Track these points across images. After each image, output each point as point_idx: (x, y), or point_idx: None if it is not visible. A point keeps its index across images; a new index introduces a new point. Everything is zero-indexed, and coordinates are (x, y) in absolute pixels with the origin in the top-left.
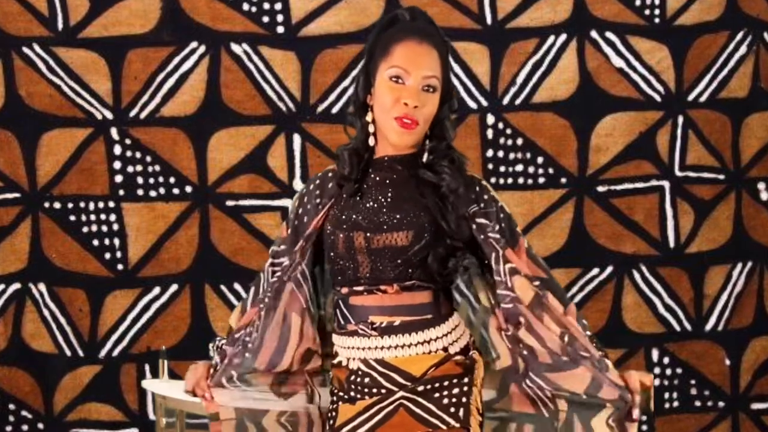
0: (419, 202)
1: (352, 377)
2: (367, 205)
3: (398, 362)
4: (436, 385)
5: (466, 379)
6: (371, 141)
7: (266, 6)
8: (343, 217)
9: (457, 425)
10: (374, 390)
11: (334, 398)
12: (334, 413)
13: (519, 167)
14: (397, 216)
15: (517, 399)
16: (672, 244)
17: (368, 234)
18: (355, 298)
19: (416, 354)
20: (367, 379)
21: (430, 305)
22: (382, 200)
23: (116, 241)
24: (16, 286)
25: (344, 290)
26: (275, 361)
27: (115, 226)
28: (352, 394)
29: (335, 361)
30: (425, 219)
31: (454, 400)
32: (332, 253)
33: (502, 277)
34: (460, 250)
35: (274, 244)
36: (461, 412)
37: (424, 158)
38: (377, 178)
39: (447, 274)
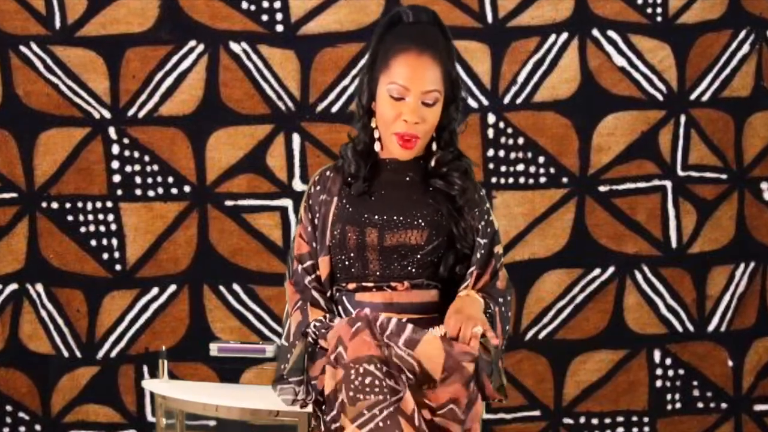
0: (432, 205)
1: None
2: (378, 203)
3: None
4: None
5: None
6: (377, 146)
7: (265, 4)
8: (354, 213)
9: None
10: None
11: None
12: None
13: (520, 167)
14: (411, 215)
15: None
16: (674, 244)
17: (382, 231)
18: (362, 294)
19: None
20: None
21: (436, 304)
22: (394, 199)
23: (114, 242)
24: (14, 286)
25: (351, 286)
26: None
27: (113, 226)
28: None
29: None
30: (439, 221)
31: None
32: (339, 249)
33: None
34: (467, 258)
35: (296, 263)
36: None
37: (432, 164)
38: (385, 179)
39: (455, 278)
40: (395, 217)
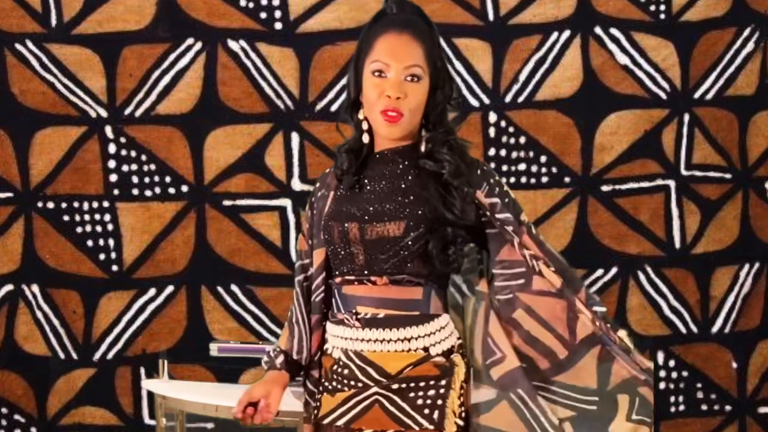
0: (416, 192)
1: (334, 367)
2: (364, 196)
3: (375, 357)
4: (412, 384)
5: (443, 382)
6: (365, 138)
7: (264, 1)
8: (339, 207)
9: (431, 427)
10: (352, 382)
11: (320, 387)
12: (318, 403)
13: (522, 166)
14: (391, 207)
15: (507, 417)
16: (678, 244)
17: (362, 224)
18: (347, 287)
19: (395, 350)
20: (346, 371)
21: (418, 302)
22: (379, 192)
23: (111, 242)
24: (9, 287)
25: (338, 279)
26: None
27: (110, 227)
28: (334, 384)
29: (324, 348)
30: (421, 209)
31: (429, 401)
32: (329, 243)
33: (528, 262)
34: (461, 237)
35: (297, 258)
36: (435, 415)
37: (423, 148)
38: (376, 171)
39: (449, 263)
40: (375, 210)
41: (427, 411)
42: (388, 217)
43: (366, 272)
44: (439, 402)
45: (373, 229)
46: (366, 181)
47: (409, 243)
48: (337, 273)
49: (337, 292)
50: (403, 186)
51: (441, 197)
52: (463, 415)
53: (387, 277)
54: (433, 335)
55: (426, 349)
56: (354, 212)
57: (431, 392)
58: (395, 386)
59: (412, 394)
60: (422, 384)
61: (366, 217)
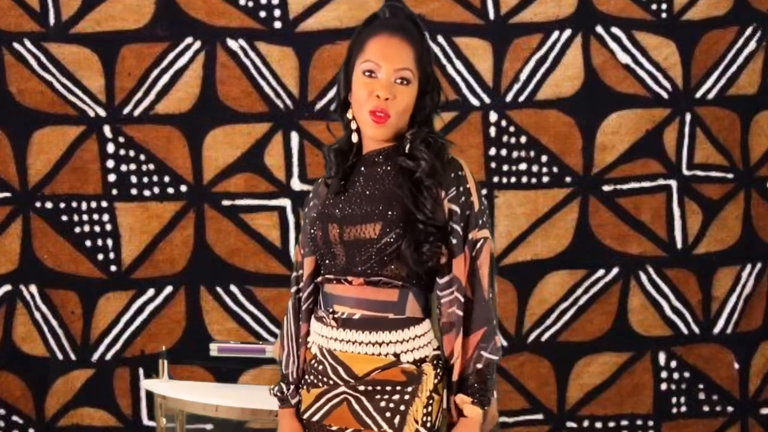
0: (393, 193)
1: (312, 362)
2: (346, 199)
3: (345, 357)
4: (378, 388)
5: (409, 389)
6: (354, 138)
7: (263, 0)
8: (322, 210)
9: (390, 431)
10: (324, 379)
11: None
12: (300, 398)
13: (522, 166)
14: (368, 208)
15: None
16: (679, 244)
17: (341, 226)
18: (328, 285)
19: (365, 353)
20: (320, 367)
21: (393, 304)
22: (360, 194)
23: (109, 242)
24: (7, 287)
25: (320, 278)
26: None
27: (108, 227)
28: (311, 378)
29: (307, 343)
30: (396, 211)
31: (391, 405)
32: (314, 246)
33: (450, 281)
34: (434, 236)
35: (293, 270)
36: (396, 420)
37: (403, 145)
38: (361, 173)
39: (423, 262)
40: (353, 212)
41: (388, 414)
42: (364, 219)
43: (345, 272)
44: (402, 408)
45: (350, 230)
46: (351, 183)
47: (386, 245)
48: (322, 272)
49: (321, 290)
50: (383, 188)
51: (413, 196)
52: (429, 425)
53: (363, 278)
54: (405, 342)
55: (396, 355)
56: (335, 214)
57: (396, 397)
58: (362, 387)
59: (377, 397)
60: (388, 388)
61: (345, 219)
